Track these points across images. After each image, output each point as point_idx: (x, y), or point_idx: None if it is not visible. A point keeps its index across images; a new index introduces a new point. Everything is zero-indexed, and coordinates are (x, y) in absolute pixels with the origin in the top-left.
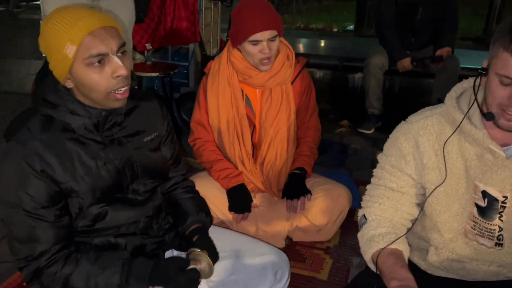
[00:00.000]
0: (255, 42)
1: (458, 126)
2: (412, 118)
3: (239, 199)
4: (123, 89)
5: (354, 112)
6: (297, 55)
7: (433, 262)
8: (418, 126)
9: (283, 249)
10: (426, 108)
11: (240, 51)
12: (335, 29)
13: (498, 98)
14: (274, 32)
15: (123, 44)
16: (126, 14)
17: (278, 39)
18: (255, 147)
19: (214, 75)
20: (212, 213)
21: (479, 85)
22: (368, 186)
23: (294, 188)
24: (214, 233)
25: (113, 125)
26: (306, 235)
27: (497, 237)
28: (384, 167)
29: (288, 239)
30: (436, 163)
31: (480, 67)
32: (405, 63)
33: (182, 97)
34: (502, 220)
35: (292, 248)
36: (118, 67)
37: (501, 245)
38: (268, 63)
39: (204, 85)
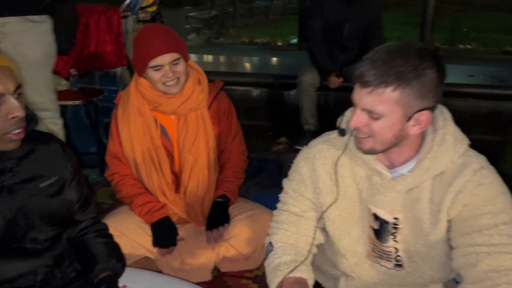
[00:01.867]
0: (157, 67)
1: (346, 147)
2: (312, 142)
3: (164, 233)
4: (18, 130)
5: (291, 128)
6: (233, 74)
7: None
8: (315, 150)
9: (209, 282)
10: (326, 132)
11: (147, 79)
12: (279, 43)
13: (350, 121)
14: (175, 55)
15: (20, 86)
16: (40, 47)
17: (183, 63)
18: (177, 176)
19: (124, 106)
20: (135, 250)
21: None
22: (274, 212)
23: (215, 218)
24: (130, 276)
25: (2, 172)
26: (234, 265)
27: (395, 258)
28: (287, 191)
29: (216, 270)
30: (330, 187)
31: None
32: (334, 80)
33: None
34: (396, 241)
35: (219, 280)
36: (14, 108)
37: (400, 265)
38: (176, 84)
39: (115, 116)
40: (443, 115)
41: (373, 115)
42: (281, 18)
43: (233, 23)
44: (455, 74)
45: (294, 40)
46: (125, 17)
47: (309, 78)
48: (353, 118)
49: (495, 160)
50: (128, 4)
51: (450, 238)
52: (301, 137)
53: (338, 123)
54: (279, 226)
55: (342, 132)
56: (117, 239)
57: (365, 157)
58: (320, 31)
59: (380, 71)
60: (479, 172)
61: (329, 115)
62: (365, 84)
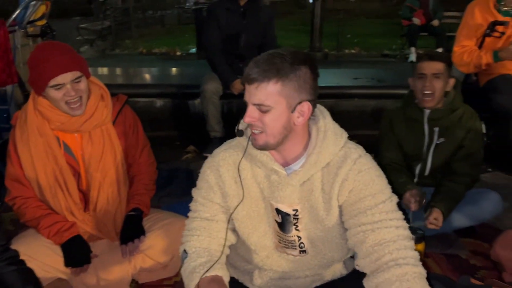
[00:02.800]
0: (58, 86)
1: (245, 151)
2: (215, 151)
3: (76, 252)
4: None
5: (199, 136)
6: (134, 86)
7: (259, 284)
8: (219, 158)
9: None
10: (227, 141)
11: (47, 98)
12: (178, 53)
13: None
14: (77, 73)
15: None
16: None
17: (84, 80)
18: (85, 194)
19: (22, 127)
20: (46, 273)
21: None
22: (186, 221)
23: (129, 231)
24: None
25: None
26: (152, 275)
27: (299, 245)
28: (197, 199)
29: (134, 282)
30: (236, 190)
31: None
32: (236, 85)
33: (4, 144)
34: (298, 230)
35: None
36: None
37: (304, 251)
38: (79, 107)
39: (13, 138)
40: (323, 114)
41: (262, 108)
42: (177, 28)
43: (129, 34)
44: (342, 77)
45: (193, 50)
46: (12, 31)
47: (212, 87)
48: (246, 114)
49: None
50: (15, 18)
51: (343, 221)
52: (208, 144)
53: (237, 127)
54: (191, 233)
55: (240, 133)
56: (28, 264)
57: (263, 159)
58: (218, 42)
59: (262, 68)
60: (358, 161)
61: (234, 121)
62: (252, 81)
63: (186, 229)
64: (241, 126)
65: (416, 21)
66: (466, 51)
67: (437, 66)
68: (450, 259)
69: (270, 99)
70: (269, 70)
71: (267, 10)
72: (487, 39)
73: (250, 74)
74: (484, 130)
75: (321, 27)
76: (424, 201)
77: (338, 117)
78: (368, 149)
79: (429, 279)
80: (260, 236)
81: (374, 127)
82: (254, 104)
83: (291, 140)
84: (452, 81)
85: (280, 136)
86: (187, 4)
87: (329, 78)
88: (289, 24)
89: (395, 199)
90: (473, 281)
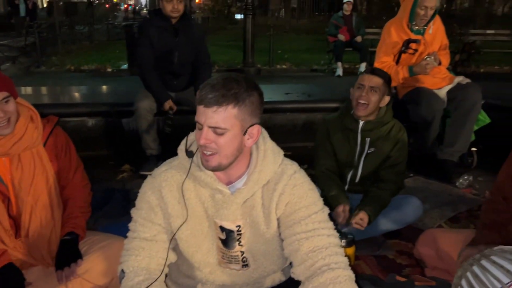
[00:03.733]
0: None
1: (188, 172)
2: (155, 172)
3: (8, 281)
4: None
5: (134, 155)
6: (63, 105)
7: None
8: (160, 179)
9: None
10: (167, 160)
11: None
12: (109, 69)
13: (197, 140)
14: (4, 94)
15: None
16: None
17: (13, 101)
18: (16, 220)
19: None
20: None
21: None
22: (125, 241)
23: (64, 256)
24: None
25: None
26: None
27: (242, 260)
28: (137, 220)
29: None
30: (179, 210)
31: None
32: (169, 104)
33: None
34: (242, 245)
35: None
36: None
37: (247, 265)
38: (7, 125)
39: None
40: (262, 134)
41: (218, 131)
42: (107, 44)
43: (55, 50)
44: (275, 93)
45: (124, 66)
46: None
47: (146, 104)
48: (202, 136)
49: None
50: None
51: (280, 232)
52: (145, 162)
53: (181, 147)
54: (130, 253)
55: (190, 154)
56: None
57: (207, 180)
58: (150, 59)
59: (221, 93)
60: (293, 176)
61: (170, 138)
62: (210, 105)
63: (125, 249)
64: (190, 146)
65: (341, 37)
66: (385, 66)
67: (376, 80)
68: (379, 259)
69: (227, 122)
70: (228, 94)
71: (199, 28)
72: (403, 56)
73: (208, 98)
74: None
75: (253, 43)
76: (352, 215)
77: (272, 131)
78: (301, 160)
79: (359, 280)
80: (204, 253)
81: (306, 139)
82: (210, 127)
83: (238, 161)
84: (387, 98)
85: (233, 157)
86: (117, 19)
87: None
88: (222, 39)
89: (326, 210)
90: (398, 278)
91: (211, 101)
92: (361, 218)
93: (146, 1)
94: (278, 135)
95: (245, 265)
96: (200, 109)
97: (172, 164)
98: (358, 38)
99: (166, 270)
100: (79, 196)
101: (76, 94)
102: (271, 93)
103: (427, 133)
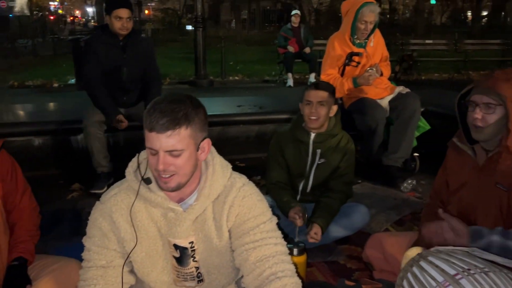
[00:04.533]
0: None
1: (137, 194)
2: (103, 197)
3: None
4: None
5: (84, 173)
6: (7, 124)
7: None
8: (110, 204)
9: None
10: (115, 184)
11: None
12: (55, 85)
13: (152, 165)
14: None
15: None
16: None
17: None
18: None
19: None
20: None
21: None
22: (80, 271)
23: (12, 283)
24: None
25: None
26: None
27: (197, 275)
28: (90, 248)
29: None
30: (132, 233)
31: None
32: (120, 120)
33: None
34: (196, 261)
35: None
36: None
37: (202, 280)
38: None
39: None
40: (210, 150)
41: (175, 153)
42: (53, 58)
43: None
44: (228, 106)
45: (72, 81)
46: None
47: (95, 121)
48: (160, 162)
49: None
50: None
51: (231, 244)
52: (96, 180)
53: (129, 169)
54: (88, 283)
55: (148, 181)
56: None
57: (158, 200)
58: (98, 76)
59: (172, 116)
60: (242, 189)
61: (121, 155)
62: (163, 130)
63: (82, 280)
64: (143, 170)
65: (291, 49)
66: (331, 79)
67: (322, 95)
68: (330, 265)
69: (182, 143)
70: (179, 117)
71: (147, 42)
72: (347, 68)
73: (159, 124)
74: None
75: (205, 55)
76: (306, 216)
77: (226, 143)
78: (255, 170)
79: (311, 285)
80: (159, 273)
81: (259, 150)
82: (166, 151)
83: (192, 178)
84: (335, 107)
85: (191, 174)
86: (63, 33)
87: (216, 106)
88: (174, 51)
89: (274, 220)
90: (347, 282)
91: (163, 127)
92: (315, 233)
93: (94, 12)
94: (232, 147)
95: (200, 280)
96: (152, 135)
97: (121, 187)
98: (307, 50)
99: None
100: (27, 219)
101: (21, 112)
102: (224, 106)
103: (372, 141)
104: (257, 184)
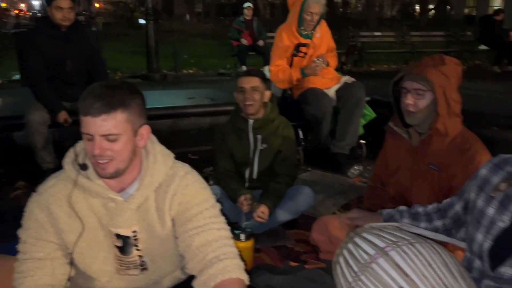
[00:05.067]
0: None
1: (75, 183)
2: (40, 188)
3: None
4: None
5: (29, 170)
6: None
7: None
8: (47, 195)
9: None
10: (52, 175)
11: None
12: None
13: (89, 151)
14: None
15: None
16: None
17: None
18: None
19: None
20: None
21: None
22: (15, 264)
23: None
24: None
25: None
26: None
27: (140, 264)
28: (26, 240)
29: None
30: (71, 224)
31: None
32: (64, 116)
33: None
34: (139, 250)
35: None
36: None
37: (146, 268)
38: None
39: None
40: (151, 139)
41: (111, 138)
42: None
43: None
44: (179, 98)
45: (16, 76)
46: None
47: (38, 117)
48: (95, 147)
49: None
50: None
51: (175, 232)
52: (41, 177)
53: (67, 159)
54: (24, 275)
55: (84, 167)
56: None
57: (97, 190)
58: (40, 69)
59: (107, 100)
60: (185, 177)
61: (67, 150)
62: (98, 114)
63: (17, 272)
64: (81, 159)
65: (244, 41)
66: (280, 69)
67: (254, 81)
68: (279, 249)
69: (118, 128)
70: (115, 101)
71: (92, 35)
72: (295, 59)
73: (94, 107)
74: (302, 136)
75: (157, 48)
76: (254, 203)
77: (178, 135)
78: (208, 162)
79: (257, 269)
80: (101, 263)
81: (212, 142)
82: (102, 135)
83: (131, 165)
84: (268, 93)
85: (129, 160)
86: (7, 27)
87: (167, 99)
88: (126, 45)
89: (217, 206)
90: (292, 263)
91: (98, 110)
92: (262, 211)
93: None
94: (184, 139)
95: (143, 268)
96: (88, 120)
97: (59, 178)
98: (260, 42)
99: (68, 284)
100: None
101: None
102: (175, 98)
103: (320, 130)
104: (210, 176)
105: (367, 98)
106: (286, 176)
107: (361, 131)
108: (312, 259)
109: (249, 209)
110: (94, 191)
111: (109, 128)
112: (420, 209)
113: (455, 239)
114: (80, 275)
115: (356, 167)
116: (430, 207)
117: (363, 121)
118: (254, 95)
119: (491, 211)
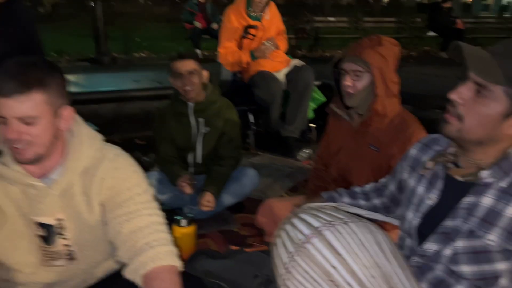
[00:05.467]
0: None
1: None
2: None
3: None
4: None
5: None
6: None
7: None
8: None
9: None
10: None
11: None
12: None
13: (2, 135)
14: None
15: None
16: None
17: None
18: None
19: None
20: None
21: None
22: None
23: None
24: None
25: None
26: None
27: (68, 254)
28: None
29: None
30: None
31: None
32: None
33: None
34: (66, 239)
35: None
36: None
37: (74, 258)
38: None
39: None
40: (76, 121)
41: (28, 121)
42: None
43: None
44: (125, 81)
45: None
46: None
47: None
48: (10, 131)
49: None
50: None
51: (105, 217)
52: None
53: None
54: None
55: (1, 153)
56: None
57: (15, 176)
58: None
59: (22, 79)
60: (115, 160)
61: None
62: (12, 94)
63: None
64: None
65: (197, 24)
66: (229, 52)
67: (190, 64)
68: (224, 234)
69: (36, 110)
70: (31, 80)
71: (27, 14)
72: (244, 41)
73: (8, 87)
74: (252, 120)
75: (106, 31)
76: (196, 183)
77: (124, 120)
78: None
79: (197, 254)
80: (23, 254)
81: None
82: (18, 118)
83: (53, 149)
84: (205, 73)
85: (50, 145)
86: None
87: (112, 82)
88: (75, 28)
89: (150, 191)
90: (233, 247)
91: (12, 90)
92: (208, 200)
93: None
94: (130, 124)
95: (71, 258)
96: (1, 101)
97: None
98: (214, 26)
99: None
100: None
101: None
102: (121, 81)
103: (270, 113)
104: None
105: (318, 83)
106: (230, 159)
107: (311, 115)
108: (258, 243)
109: (191, 190)
110: (11, 178)
111: (25, 110)
112: (358, 189)
113: (391, 218)
114: (0, 266)
115: (305, 150)
116: (368, 187)
117: (313, 105)
118: (193, 79)
119: (420, 189)
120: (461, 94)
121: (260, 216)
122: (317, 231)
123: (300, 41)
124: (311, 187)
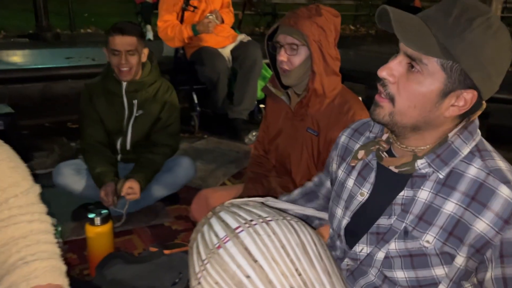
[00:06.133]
0: None
1: None
2: None
3: None
4: None
5: None
6: None
7: None
8: None
9: None
10: None
11: None
12: None
13: None
14: None
15: None
16: None
17: None
18: None
19: None
20: None
21: None
22: None
23: None
24: None
25: None
26: None
27: None
28: None
29: None
30: None
31: None
32: None
33: None
34: None
35: None
36: None
37: None
38: None
39: None
40: None
41: None
42: None
43: None
44: (56, 59)
45: None
46: None
47: None
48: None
49: None
50: None
51: None
52: None
53: None
54: None
55: None
56: None
57: None
58: None
59: None
60: None
61: None
62: None
63: None
64: None
65: None
66: (169, 25)
67: (130, 41)
68: (154, 229)
69: None
70: None
71: None
72: (186, 13)
73: None
74: (196, 100)
75: (46, 4)
76: (121, 199)
77: (54, 101)
78: None
79: (109, 258)
80: None
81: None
82: None
83: None
84: (146, 51)
85: None
86: None
87: (40, 59)
88: (13, 1)
89: (34, 190)
90: (152, 249)
91: None
92: (131, 187)
93: None
94: (61, 106)
95: None
96: None
97: None
98: None
99: None
100: None
101: None
102: (50, 58)
103: (216, 93)
104: None
105: (267, 60)
106: (164, 147)
107: (260, 94)
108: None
109: (112, 203)
110: None
111: None
112: (285, 198)
113: (326, 213)
114: None
115: (254, 133)
116: (295, 193)
117: (262, 83)
118: (131, 59)
119: (350, 182)
120: (391, 70)
121: (194, 207)
122: (233, 234)
123: (256, 17)
124: (249, 175)
